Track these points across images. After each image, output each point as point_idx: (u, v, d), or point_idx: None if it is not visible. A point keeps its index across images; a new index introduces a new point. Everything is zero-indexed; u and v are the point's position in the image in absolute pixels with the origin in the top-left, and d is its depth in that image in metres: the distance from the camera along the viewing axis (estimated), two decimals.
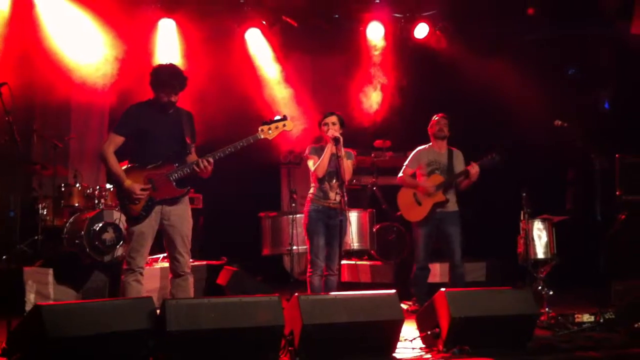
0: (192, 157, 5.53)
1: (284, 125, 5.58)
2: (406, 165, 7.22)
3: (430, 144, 7.19)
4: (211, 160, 5.33)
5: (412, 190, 7.12)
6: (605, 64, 9.34)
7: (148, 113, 5.44)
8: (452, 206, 7.03)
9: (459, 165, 7.08)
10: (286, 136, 8.14)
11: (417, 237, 7.09)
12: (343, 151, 6.12)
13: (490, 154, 6.85)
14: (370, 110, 9.34)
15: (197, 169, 5.31)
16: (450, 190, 7.03)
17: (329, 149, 6.17)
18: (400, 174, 7.23)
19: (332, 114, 6.34)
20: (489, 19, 9.20)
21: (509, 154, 7.02)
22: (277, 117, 5.60)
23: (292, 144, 8.44)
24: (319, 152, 6.31)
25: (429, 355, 5.01)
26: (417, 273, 7.06)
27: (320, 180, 6.28)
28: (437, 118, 7.17)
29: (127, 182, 5.25)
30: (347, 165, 6.22)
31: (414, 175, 7.18)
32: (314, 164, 6.27)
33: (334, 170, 6.22)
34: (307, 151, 6.42)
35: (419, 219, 7.04)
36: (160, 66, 5.58)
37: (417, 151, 7.21)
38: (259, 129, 5.51)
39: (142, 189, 5.25)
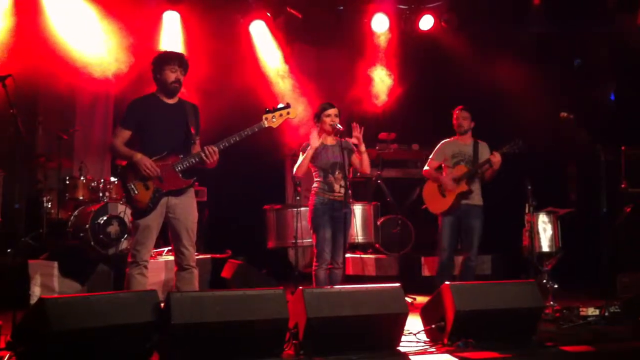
0: (197, 149, 5.51)
1: (288, 113, 5.57)
2: (431, 159, 7.23)
3: (456, 136, 7.18)
4: (216, 149, 5.32)
5: (436, 183, 7.12)
6: (610, 56, 9.30)
7: (151, 105, 5.44)
8: (477, 199, 7.00)
9: (485, 156, 7.02)
10: (292, 128, 8.18)
11: (442, 228, 7.05)
12: (351, 144, 6.17)
13: (513, 140, 6.79)
14: (377, 102, 9.31)
15: (203, 156, 5.30)
16: (474, 181, 6.98)
17: (312, 149, 6.14)
18: (426, 167, 7.24)
19: (333, 105, 6.31)
20: (493, 11, 9.16)
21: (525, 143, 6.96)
22: (281, 105, 5.58)
23: (300, 138, 8.41)
24: None
25: (433, 349, 4.98)
26: (443, 264, 7.03)
27: (324, 173, 6.25)
28: (456, 112, 7.13)
29: (138, 155, 5.25)
30: (361, 158, 6.27)
31: (440, 168, 7.17)
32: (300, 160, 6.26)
33: (338, 162, 6.20)
34: (303, 147, 6.38)
35: (442, 210, 7.01)
36: (162, 50, 5.73)
37: (442, 144, 7.21)
38: (263, 117, 5.50)
39: (153, 163, 5.24)
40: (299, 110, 7.69)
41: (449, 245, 7.00)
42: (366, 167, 6.32)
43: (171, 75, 5.38)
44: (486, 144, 7.15)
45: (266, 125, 5.49)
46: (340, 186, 6.20)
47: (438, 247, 7.13)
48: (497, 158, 6.79)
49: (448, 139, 7.21)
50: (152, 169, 5.24)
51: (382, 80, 9.38)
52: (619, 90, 9.53)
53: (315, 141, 6.15)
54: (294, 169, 6.29)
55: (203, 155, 5.30)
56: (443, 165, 7.16)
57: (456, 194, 6.92)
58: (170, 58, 5.44)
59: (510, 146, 6.79)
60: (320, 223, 6.20)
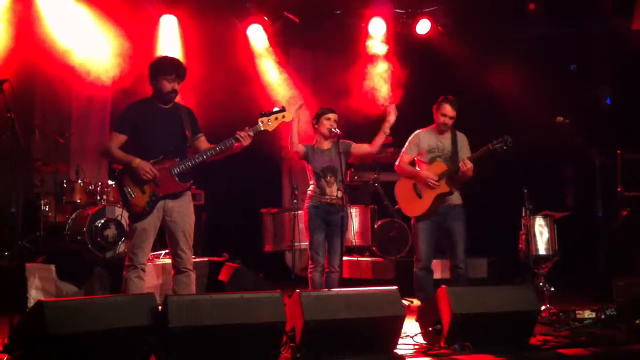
0: (204, 144, 5.56)
1: (283, 117, 5.62)
2: (404, 151, 6.65)
3: (433, 125, 6.64)
4: (251, 133, 5.42)
5: (411, 180, 6.54)
6: (605, 60, 9.33)
7: (146, 110, 5.48)
8: (457, 199, 6.51)
9: (464, 150, 6.54)
10: (289, 132, 8.17)
11: (418, 233, 6.48)
12: (347, 143, 6.26)
13: (502, 137, 6.30)
14: (375, 104, 9.31)
15: (240, 137, 5.38)
16: (454, 181, 6.45)
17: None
18: (397, 162, 6.68)
19: (334, 111, 6.37)
20: (490, 15, 9.18)
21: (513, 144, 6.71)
22: (276, 109, 5.64)
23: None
24: (309, 149, 6.34)
25: (430, 352, 5.00)
26: (419, 275, 6.47)
27: (318, 177, 6.28)
28: (446, 107, 6.51)
29: (137, 161, 5.27)
30: (363, 148, 6.37)
31: (413, 163, 6.64)
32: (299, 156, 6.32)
33: (330, 166, 6.24)
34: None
35: (419, 214, 6.46)
36: (161, 56, 5.75)
37: (416, 134, 6.65)
38: (259, 121, 5.54)
39: (153, 167, 5.27)
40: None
41: (425, 254, 6.44)
42: (376, 147, 6.38)
43: (167, 86, 5.40)
44: (464, 136, 6.63)
45: (262, 129, 5.53)
46: (336, 189, 6.22)
47: (415, 257, 6.55)
48: (468, 166, 6.29)
49: (423, 129, 6.64)
50: (151, 173, 5.26)
51: (379, 83, 9.38)
52: (616, 93, 9.55)
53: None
54: (291, 147, 6.33)
55: (239, 136, 5.38)
56: (417, 159, 6.61)
57: (435, 195, 6.38)
58: (167, 68, 5.45)
59: (497, 142, 6.28)
60: (313, 226, 6.25)
